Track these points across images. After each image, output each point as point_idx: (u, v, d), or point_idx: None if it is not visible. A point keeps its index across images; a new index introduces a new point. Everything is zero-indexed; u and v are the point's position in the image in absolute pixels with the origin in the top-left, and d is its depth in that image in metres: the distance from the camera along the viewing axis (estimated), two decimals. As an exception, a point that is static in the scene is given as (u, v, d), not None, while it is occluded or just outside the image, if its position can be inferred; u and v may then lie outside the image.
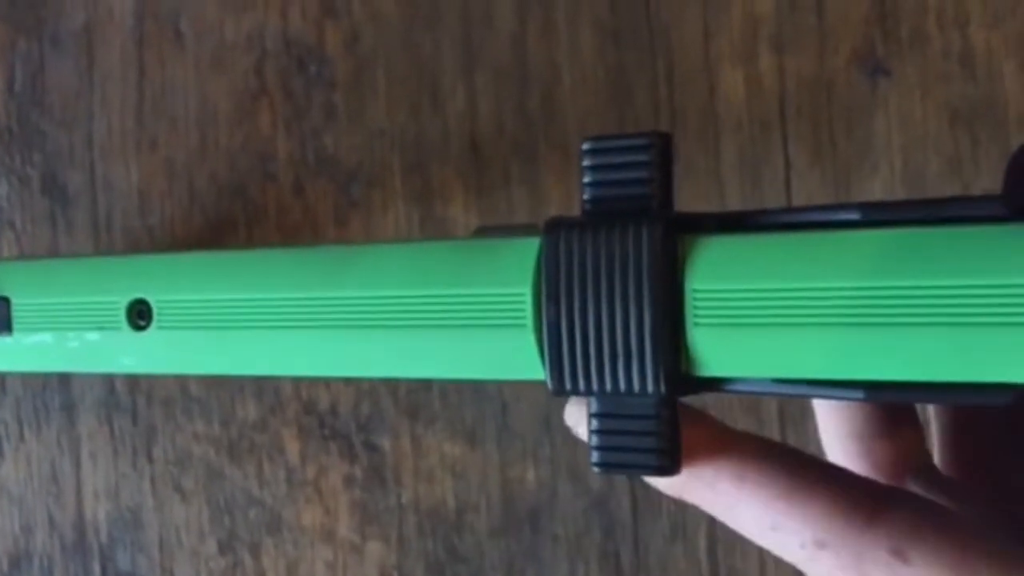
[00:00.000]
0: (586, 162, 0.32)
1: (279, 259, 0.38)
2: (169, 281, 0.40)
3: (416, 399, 0.57)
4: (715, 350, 0.30)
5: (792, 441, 0.52)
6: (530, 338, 0.32)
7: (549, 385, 0.32)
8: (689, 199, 0.53)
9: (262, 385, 0.58)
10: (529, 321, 0.32)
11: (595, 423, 0.32)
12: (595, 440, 0.32)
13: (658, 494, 0.53)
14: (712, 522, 0.53)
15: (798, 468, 0.29)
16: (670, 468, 0.31)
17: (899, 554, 0.27)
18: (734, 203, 0.53)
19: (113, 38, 0.61)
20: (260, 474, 0.58)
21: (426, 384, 0.56)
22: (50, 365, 0.43)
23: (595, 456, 0.32)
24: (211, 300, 0.38)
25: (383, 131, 0.57)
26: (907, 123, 0.51)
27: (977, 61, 0.50)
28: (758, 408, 0.53)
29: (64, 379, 0.61)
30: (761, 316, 0.29)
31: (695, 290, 0.30)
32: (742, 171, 0.53)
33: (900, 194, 0.50)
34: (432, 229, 0.56)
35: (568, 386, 0.32)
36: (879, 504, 0.27)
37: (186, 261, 0.40)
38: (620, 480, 0.54)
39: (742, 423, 0.53)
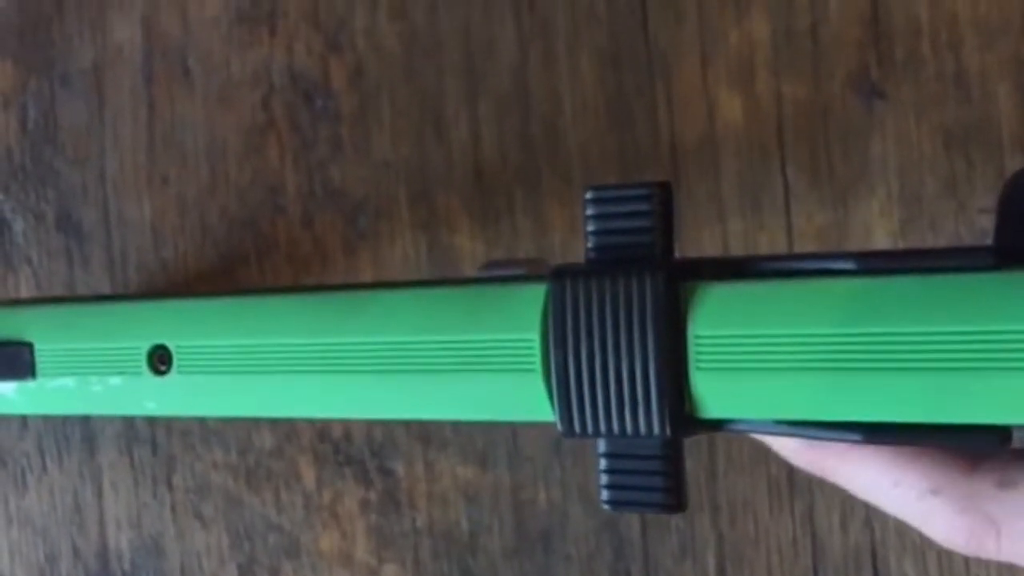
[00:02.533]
0: (589, 211, 0.33)
1: (294, 305, 0.39)
2: (188, 327, 0.41)
3: (428, 425, 0.58)
4: (717, 393, 0.32)
5: (797, 459, 0.53)
6: (539, 382, 0.34)
7: (559, 427, 0.33)
8: (690, 223, 0.53)
9: (277, 413, 0.59)
10: (538, 366, 0.34)
11: (604, 463, 0.33)
12: (604, 479, 0.33)
13: (667, 515, 0.54)
14: (720, 540, 0.54)
15: None
16: (676, 506, 0.33)
17: (1005, 484, 0.30)
18: (734, 226, 0.54)
19: (122, 76, 0.62)
20: (278, 500, 0.60)
21: (437, 409, 0.58)
22: (74, 408, 0.44)
23: (605, 495, 0.33)
24: (229, 345, 0.39)
25: (388, 162, 0.58)
26: (903, 145, 0.51)
27: (971, 83, 0.50)
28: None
29: (84, 410, 0.62)
30: (761, 361, 0.31)
31: (697, 336, 0.32)
32: (742, 194, 0.54)
33: (897, 215, 0.51)
34: (439, 258, 0.57)
35: (577, 428, 0.33)
36: (975, 459, 0.31)
37: (204, 307, 0.41)
38: (630, 500, 0.55)
39: (748, 443, 0.54)
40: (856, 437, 0.30)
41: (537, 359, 0.34)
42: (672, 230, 0.33)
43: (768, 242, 0.54)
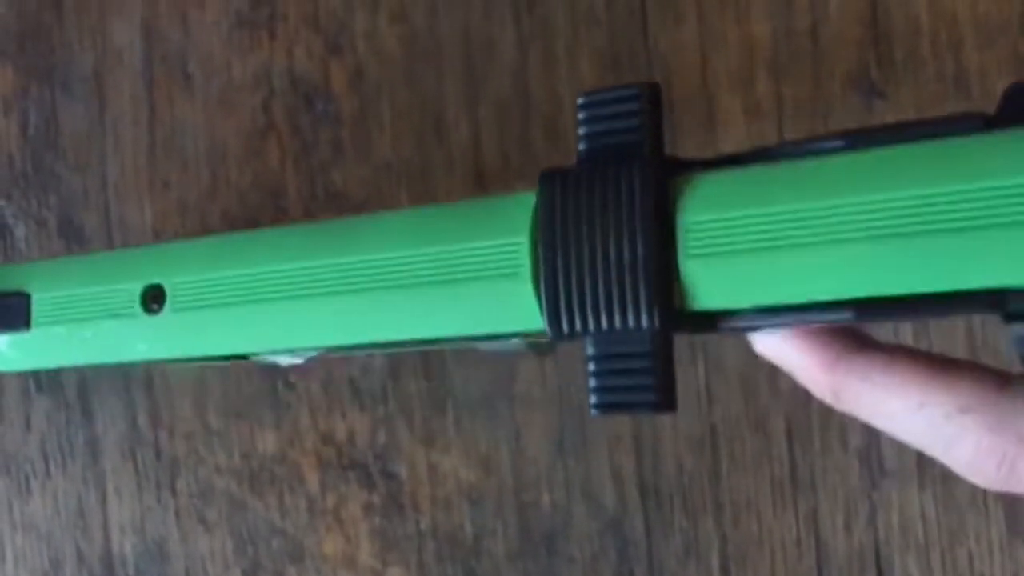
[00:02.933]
0: (580, 115, 0.33)
1: (286, 234, 0.39)
2: (182, 263, 0.40)
3: (431, 427, 0.58)
4: (708, 281, 0.31)
5: (799, 459, 0.53)
6: (528, 287, 0.33)
7: (547, 330, 0.32)
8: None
9: (280, 417, 0.59)
10: (527, 270, 0.33)
11: (592, 366, 0.32)
12: (593, 383, 0.32)
13: (671, 513, 0.54)
14: (724, 541, 0.54)
15: (935, 358, 0.30)
16: (665, 404, 0.31)
17: None
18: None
19: (123, 81, 0.62)
20: (281, 505, 0.60)
21: (441, 411, 0.58)
22: (67, 358, 0.43)
23: (594, 398, 0.32)
24: (222, 277, 0.39)
25: (389, 164, 0.58)
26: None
27: (971, 82, 0.50)
28: (766, 424, 0.54)
29: (87, 414, 0.62)
30: (752, 242, 0.30)
31: (686, 223, 0.31)
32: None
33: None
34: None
35: (565, 328, 0.32)
36: (1005, 375, 0.30)
37: (199, 244, 0.41)
38: (633, 501, 0.55)
39: (751, 443, 0.54)
40: (848, 315, 0.29)
41: (527, 263, 0.33)
42: (661, 128, 0.32)
43: (769, 242, 0.54)
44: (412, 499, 0.58)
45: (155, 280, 0.40)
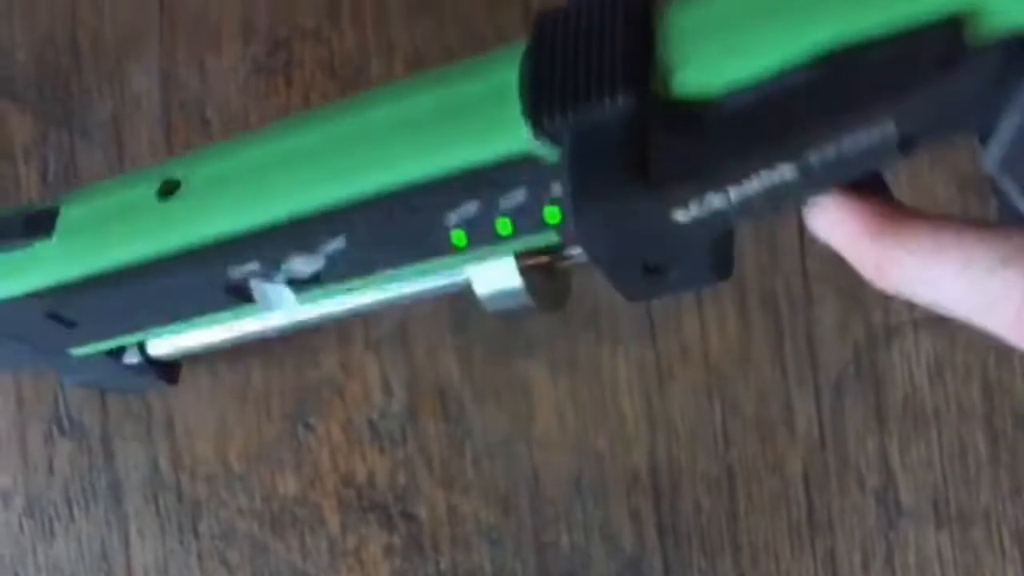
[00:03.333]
0: None
1: (295, 117, 0.41)
2: (197, 159, 0.42)
3: (450, 468, 0.58)
4: (685, 61, 0.32)
5: (816, 499, 0.54)
6: (517, 110, 0.34)
7: (528, 127, 0.33)
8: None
9: (301, 459, 0.60)
10: (515, 95, 0.34)
11: (569, 160, 0.33)
12: (570, 180, 0.32)
13: (689, 554, 0.54)
14: (743, 581, 0.54)
15: (976, 220, 0.31)
16: (641, 179, 0.32)
17: None
18: (748, 267, 0.54)
19: (141, 127, 0.63)
20: (303, 546, 0.60)
21: (459, 453, 0.58)
22: (85, 264, 0.44)
23: (570, 200, 0.33)
24: (231, 163, 0.40)
25: (406, 210, 0.59)
26: (916, 188, 0.52)
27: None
28: (783, 465, 0.55)
29: (109, 458, 0.63)
30: (722, 21, 0.32)
31: (665, 23, 0.33)
32: (757, 237, 0.54)
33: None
34: (458, 297, 0.58)
35: (546, 123, 0.33)
36: None
37: (215, 144, 0.43)
38: (652, 541, 0.56)
39: (768, 484, 0.54)
40: (818, 73, 0.30)
41: (515, 88, 0.34)
42: None
43: (783, 283, 0.55)
44: (432, 540, 0.59)
45: (172, 176, 0.42)
